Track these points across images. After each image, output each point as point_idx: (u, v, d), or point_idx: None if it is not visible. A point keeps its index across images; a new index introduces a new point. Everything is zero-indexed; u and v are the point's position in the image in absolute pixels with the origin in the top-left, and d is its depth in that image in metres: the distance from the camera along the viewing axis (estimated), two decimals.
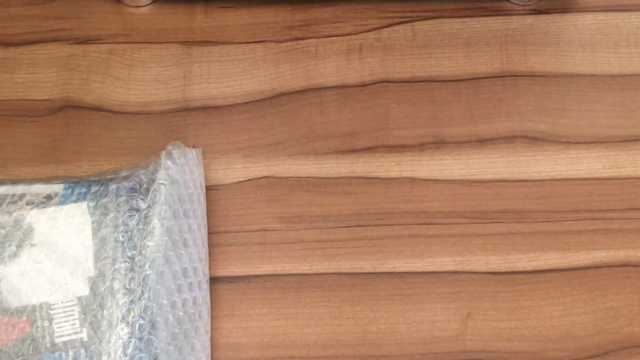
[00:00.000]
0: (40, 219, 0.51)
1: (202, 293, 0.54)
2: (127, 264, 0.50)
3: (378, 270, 0.60)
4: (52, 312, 0.49)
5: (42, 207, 0.52)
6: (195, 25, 0.68)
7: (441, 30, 0.68)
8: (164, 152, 0.55)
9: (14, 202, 0.52)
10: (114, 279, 0.50)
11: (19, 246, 0.51)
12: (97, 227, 0.51)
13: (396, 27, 0.68)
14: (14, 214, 0.52)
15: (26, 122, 0.65)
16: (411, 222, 0.62)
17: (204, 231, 0.57)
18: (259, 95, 0.66)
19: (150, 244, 0.51)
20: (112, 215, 0.51)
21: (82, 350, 0.48)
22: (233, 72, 0.67)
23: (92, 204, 0.52)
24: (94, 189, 0.53)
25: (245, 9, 0.69)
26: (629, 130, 0.65)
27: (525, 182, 0.63)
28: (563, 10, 0.69)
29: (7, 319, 0.49)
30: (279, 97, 0.66)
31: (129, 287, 0.50)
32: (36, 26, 0.68)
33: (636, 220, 0.63)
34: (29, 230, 0.51)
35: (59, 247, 0.51)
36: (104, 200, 0.52)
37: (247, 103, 0.66)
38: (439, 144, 0.64)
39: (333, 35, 0.68)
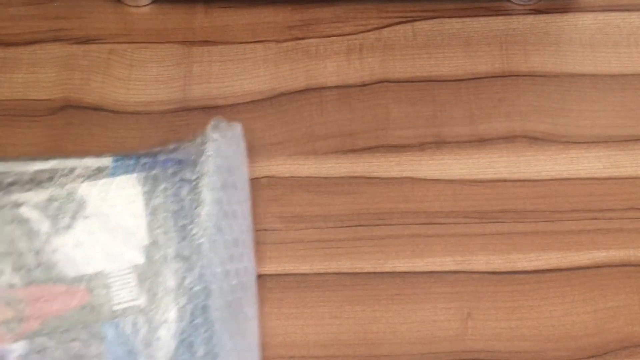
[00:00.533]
0: (91, 192, 0.52)
1: (251, 264, 0.55)
2: (180, 233, 0.51)
3: (378, 270, 0.60)
4: (109, 280, 0.50)
5: (93, 180, 0.53)
6: (196, 25, 0.68)
7: (441, 30, 0.68)
8: (210, 126, 0.55)
9: (66, 175, 0.53)
10: (168, 247, 0.51)
11: (73, 218, 0.52)
12: (148, 198, 0.52)
13: (396, 27, 0.68)
14: (67, 187, 0.52)
15: (26, 122, 0.65)
16: (411, 222, 0.62)
17: (249, 204, 0.57)
18: (259, 95, 0.66)
19: (203, 212, 0.51)
20: (162, 186, 0.53)
21: (141, 317, 0.49)
22: (233, 72, 0.67)
23: (141, 175, 0.53)
24: (142, 161, 0.54)
25: (245, 8, 0.69)
26: (629, 130, 0.65)
27: (525, 182, 0.63)
28: (563, 10, 0.69)
29: (65, 288, 0.50)
30: (279, 97, 0.66)
31: (183, 255, 0.51)
32: (36, 26, 0.68)
33: (636, 220, 0.63)
34: (82, 203, 0.52)
35: (112, 218, 0.52)
36: (154, 171, 0.53)
37: (247, 103, 0.66)
38: (439, 144, 0.64)
39: (333, 35, 0.68)
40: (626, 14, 0.69)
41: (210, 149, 0.53)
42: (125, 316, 0.50)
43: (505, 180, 0.63)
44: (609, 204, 0.63)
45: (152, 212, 0.52)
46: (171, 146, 0.55)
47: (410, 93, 0.66)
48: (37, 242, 0.51)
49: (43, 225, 0.51)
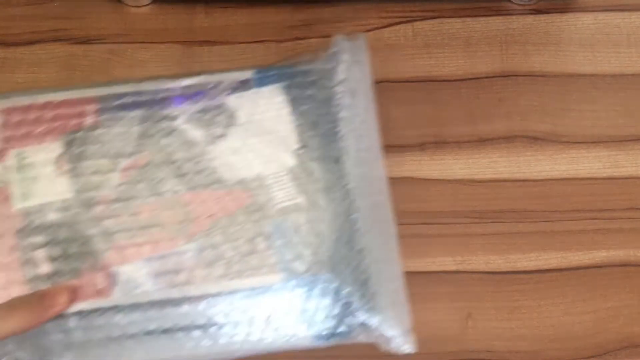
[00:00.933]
0: (240, 102, 0.56)
1: (381, 171, 0.56)
2: (327, 137, 0.54)
3: None
4: (267, 182, 0.53)
5: (240, 92, 0.56)
6: (196, 25, 0.68)
7: (441, 30, 0.68)
8: (339, 37, 0.58)
9: (214, 88, 0.56)
10: (317, 149, 0.54)
11: (226, 127, 0.55)
12: (294, 105, 0.55)
13: (396, 27, 0.68)
14: (216, 99, 0.55)
15: None
16: (411, 221, 0.62)
17: (374, 114, 0.58)
18: None
19: (345, 116, 0.55)
20: (306, 92, 0.56)
21: (302, 215, 0.53)
22: None
23: (285, 84, 0.56)
24: (283, 70, 0.57)
25: (245, 8, 0.69)
26: (629, 130, 0.65)
27: (525, 182, 0.63)
28: (563, 10, 0.69)
29: (228, 192, 0.53)
30: None
31: (332, 157, 0.54)
32: (36, 26, 0.68)
33: (636, 220, 0.63)
34: (232, 113, 0.55)
35: (263, 125, 0.55)
36: (297, 79, 0.56)
37: None
38: (439, 144, 0.64)
39: (333, 35, 0.68)
40: (626, 14, 0.69)
41: (344, 57, 0.56)
42: (287, 214, 0.53)
43: (505, 180, 0.63)
44: (609, 204, 0.63)
45: (300, 118, 0.55)
46: (307, 57, 0.58)
47: (410, 93, 0.66)
48: (194, 151, 0.54)
49: (198, 136, 0.54)
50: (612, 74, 0.67)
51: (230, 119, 0.55)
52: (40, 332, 0.50)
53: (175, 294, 0.51)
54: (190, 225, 0.52)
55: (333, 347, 0.54)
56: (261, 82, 0.56)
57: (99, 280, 0.51)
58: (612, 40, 0.68)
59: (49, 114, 0.54)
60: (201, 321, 0.51)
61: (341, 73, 0.56)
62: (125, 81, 0.57)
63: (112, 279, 0.51)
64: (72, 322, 0.50)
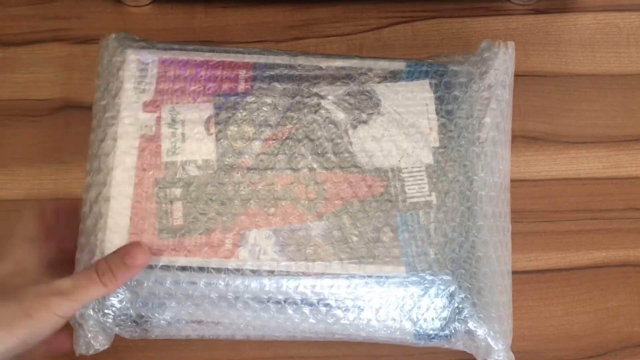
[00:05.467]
0: (387, 92, 0.56)
1: (506, 181, 0.57)
2: (467, 139, 0.55)
3: None
4: (403, 175, 0.54)
5: (389, 82, 0.57)
6: (195, 24, 0.68)
7: (441, 30, 0.68)
8: (491, 42, 0.58)
9: (364, 74, 0.57)
10: (456, 151, 0.55)
11: (369, 114, 0.56)
12: (439, 103, 0.56)
13: (396, 27, 0.68)
14: (364, 85, 0.56)
15: (26, 122, 0.65)
16: None
17: (510, 124, 0.59)
18: None
19: (488, 121, 0.55)
20: (453, 93, 0.56)
21: (432, 213, 0.53)
22: None
23: (434, 81, 0.57)
24: (434, 68, 0.57)
25: (245, 8, 0.69)
26: (629, 130, 0.65)
27: (525, 182, 0.63)
28: (563, 10, 0.69)
29: (363, 177, 0.54)
30: None
31: (468, 159, 0.55)
32: (36, 26, 0.68)
33: (636, 220, 0.63)
34: (378, 101, 0.56)
35: (405, 119, 0.56)
36: (445, 79, 0.57)
37: None
38: None
39: (333, 35, 0.68)
40: (626, 14, 0.69)
41: (495, 64, 0.57)
42: (417, 210, 0.53)
43: None
44: (609, 204, 0.63)
45: (443, 117, 0.56)
46: (457, 57, 0.58)
47: None
48: (336, 132, 0.55)
49: (342, 118, 0.56)
50: (612, 74, 0.67)
51: (375, 107, 0.56)
52: (157, 282, 0.51)
53: (297, 267, 0.51)
54: (321, 203, 0.53)
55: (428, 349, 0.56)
56: (411, 75, 0.57)
57: (228, 240, 0.52)
58: (612, 40, 0.68)
59: (204, 73, 0.56)
60: (314, 299, 0.52)
61: (490, 79, 0.56)
62: (280, 52, 0.58)
63: (240, 242, 0.52)
64: (195, 277, 0.51)
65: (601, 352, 0.59)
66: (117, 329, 0.52)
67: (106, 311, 0.51)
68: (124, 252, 0.49)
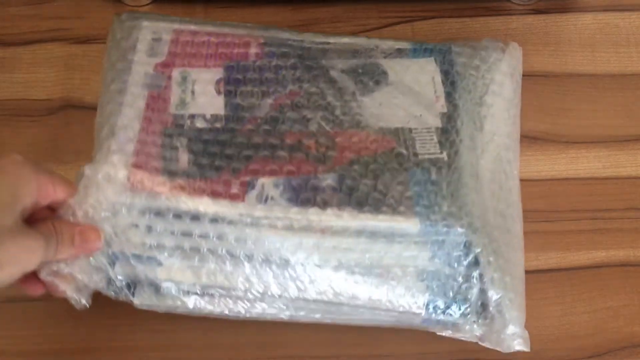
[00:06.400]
0: (394, 66, 0.58)
1: (516, 165, 0.58)
2: (477, 106, 0.57)
3: None
4: (413, 134, 0.55)
5: (394, 57, 0.59)
6: None
7: (441, 30, 0.68)
8: (502, 44, 0.61)
9: (371, 50, 0.59)
10: (465, 114, 0.56)
11: (377, 83, 0.57)
12: (445, 75, 0.58)
13: (396, 27, 0.68)
14: (371, 59, 0.58)
15: (26, 121, 0.65)
16: None
17: (518, 121, 0.60)
18: None
19: (489, 99, 0.57)
20: (456, 68, 0.58)
21: (443, 170, 0.54)
22: None
23: (438, 58, 0.59)
24: (438, 47, 0.60)
25: (245, 8, 0.69)
26: (629, 130, 0.65)
27: (525, 182, 0.63)
28: (563, 10, 0.69)
29: (372, 135, 0.55)
30: None
31: (477, 123, 0.56)
32: (36, 26, 0.68)
33: (636, 220, 0.63)
34: (384, 73, 0.58)
35: (412, 87, 0.57)
36: (450, 56, 0.59)
37: None
38: None
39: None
40: (626, 14, 0.69)
41: (502, 51, 0.60)
42: (430, 166, 0.54)
43: None
44: (609, 204, 0.63)
45: (450, 86, 0.57)
46: (464, 41, 0.61)
47: None
48: (345, 97, 0.56)
49: (350, 86, 0.57)
50: (611, 74, 0.67)
51: (382, 77, 0.57)
52: (164, 228, 0.49)
53: (307, 214, 0.50)
54: (331, 156, 0.53)
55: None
56: (416, 54, 0.59)
57: (235, 184, 0.51)
58: (612, 40, 0.68)
59: (215, 40, 0.58)
60: (323, 259, 0.50)
61: (495, 63, 0.59)
62: (288, 30, 0.59)
63: (248, 186, 0.51)
64: (200, 224, 0.49)
65: (601, 352, 0.59)
66: (100, 281, 0.50)
67: (92, 262, 0.49)
68: (78, 231, 0.48)
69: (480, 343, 0.54)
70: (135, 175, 0.50)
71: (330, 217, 0.50)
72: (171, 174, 0.51)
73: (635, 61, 0.68)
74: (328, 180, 0.52)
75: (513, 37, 0.68)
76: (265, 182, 0.51)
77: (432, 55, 0.59)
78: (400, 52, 0.59)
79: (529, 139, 0.65)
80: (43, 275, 0.48)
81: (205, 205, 0.50)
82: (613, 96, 0.66)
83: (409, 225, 0.51)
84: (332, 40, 0.59)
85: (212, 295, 0.51)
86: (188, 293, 0.51)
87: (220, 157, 0.52)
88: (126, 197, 0.49)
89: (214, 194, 0.50)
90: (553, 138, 0.65)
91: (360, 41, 0.59)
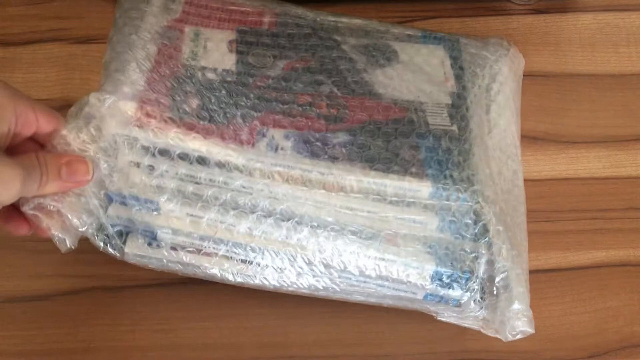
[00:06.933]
0: (404, 47, 0.59)
1: (518, 166, 0.58)
2: (484, 91, 0.57)
3: None
4: (424, 106, 0.55)
5: (405, 41, 0.59)
6: None
7: (441, 30, 0.68)
8: (506, 43, 0.61)
9: (381, 32, 0.59)
10: (474, 97, 0.57)
11: (388, 60, 0.57)
12: (454, 60, 0.59)
13: None
14: (382, 40, 0.59)
15: None
16: None
17: (518, 125, 0.60)
18: None
19: (495, 86, 0.58)
20: (465, 57, 0.59)
21: (454, 141, 0.53)
22: None
23: (447, 45, 0.60)
24: (447, 37, 0.60)
25: None
26: (629, 130, 0.65)
27: (525, 182, 0.63)
28: (563, 10, 0.69)
29: (383, 103, 0.54)
30: None
31: (484, 107, 0.57)
32: (36, 26, 0.68)
33: (636, 220, 0.63)
34: (395, 52, 0.58)
35: (423, 67, 0.58)
36: (458, 46, 0.60)
37: None
38: None
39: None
40: (626, 13, 0.69)
41: (506, 49, 0.60)
42: (441, 136, 0.53)
43: None
44: (609, 204, 0.63)
45: (459, 70, 0.58)
46: (465, 36, 0.61)
47: None
48: (356, 68, 0.56)
49: (362, 60, 0.57)
50: (612, 74, 0.67)
51: (393, 55, 0.58)
52: (168, 169, 0.47)
53: (318, 167, 0.49)
54: (343, 117, 0.53)
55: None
56: (426, 39, 0.60)
57: (246, 129, 0.50)
58: (612, 40, 0.68)
59: (230, 7, 0.57)
60: (332, 221, 0.49)
61: (499, 55, 0.59)
62: (303, 7, 0.60)
63: (258, 134, 0.50)
64: (206, 167, 0.48)
65: (601, 352, 0.59)
66: (89, 225, 0.47)
67: (82, 201, 0.46)
68: (66, 162, 0.45)
69: (482, 330, 0.53)
70: (144, 109, 0.48)
71: (341, 172, 0.49)
72: (181, 113, 0.49)
73: (635, 61, 0.68)
74: (339, 137, 0.51)
75: (513, 37, 0.68)
76: (275, 133, 0.50)
77: (441, 44, 0.59)
78: (410, 37, 0.59)
79: (529, 139, 0.65)
80: (26, 209, 0.44)
81: (213, 146, 0.48)
82: (613, 96, 0.66)
83: (421, 186, 0.50)
84: (344, 19, 0.59)
85: (208, 254, 0.48)
86: (183, 248, 0.48)
87: (231, 105, 0.51)
88: (130, 131, 0.47)
89: (224, 138, 0.49)
90: (553, 138, 0.65)
91: (372, 24, 0.60)
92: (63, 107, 0.65)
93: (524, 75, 0.62)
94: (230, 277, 0.49)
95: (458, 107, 0.55)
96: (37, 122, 0.45)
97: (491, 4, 0.69)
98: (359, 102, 0.54)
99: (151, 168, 0.47)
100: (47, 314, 0.55)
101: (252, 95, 0.52)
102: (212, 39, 0.55)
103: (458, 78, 0.57)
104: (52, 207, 0.45)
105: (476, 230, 0.51)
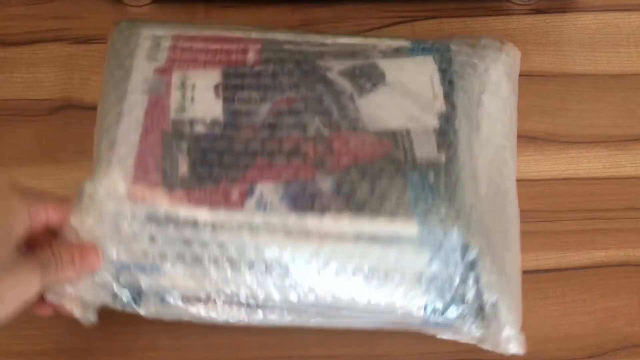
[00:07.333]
0: (391, 66, 0.58)
1: (512, 167, 0.58)
2: (474, 106, 0.57)
3: None
4: (411, 136, 0.55)
5: (393, 57, 0.58)
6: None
7: (441, 30, 0.68)
8: (499, 43, 0.60)
9: (368, 50, 0.59)
10: (463, 114, 0.56)
11: (374, 84, 0.57)
12: (443, 74, 0.58)
13: (396, 27, 0.68)
14: (369, 60, 0.58)
15: (26, 122, 0.65)
16: None
17: (515, 121, 0.60)
18: None
19: (486, 98, 0.57)
20: (455, 67, 0.58)
21: (441, 172, 0.54)
22: None
23: (437, 56, 0.59)
24: (436, 46, 0.59)
25: (245, 8, 0.69)
26: (629, 130, 0.65)
27: (525, 182, 0.63)
28: (563, 10, 0.69)
29: (370, 137, 0.55)
30: None
31: (474, 123, 0.56)
32: (36, 26, 0.68)
33: (636, 220, 0.63)
34: (382, 73, 0.57)
35: (410, 88, 0.57)
36: (448, 54, 0.59)
37: None
38: None
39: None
40: (626, 14, 0.69)
41: (499, 50, 0.59)
42: (427, 168, 0.54)
43: None
44: (609, 204, 0.63)
45: (448, 86, 0.57)
46: (462, 39, 0.60)
47: None
48: (342, 99, 0.56)
49: (348, 87, 0.57)
50: (612, 74, 0.67)
51: (380, 77, 0.57)
52: (166, 238, 0.50)
53: (306, 220, 0.51)
54: (330, 161, 0.53)
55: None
56: (414, 52, 0.59)
57: (234, 191, 0.52)
58: (612, 40, 0.68)
59: (213, 46, 0.58)
60: (321, 262, 0.51)
61: (492, 62, 0.58)
62: (286, 31, 0.59)
63: (247, 193, 0.52)
64: (201, 233, 0.50)
65: (601, 352, 0.59)
66: (105, 297, 0.51)
67: (96, 279, 0.50)
68: (78, 251, 0.49)
69: (479, 345, 0.54)
70: (136, 188, 0.51)
71: (329, 223, 0.51)
72: (171, 184, 0.51)
73: (635, 61, 0.68)
74: (326, 184, 0.52)
75: (513, 37, 0.68)
76: (264, 188, 0.52)
77: (430, 54, 0.59)
78: (398, 52, 0.59)
79: (528, 139, 0.65)
80: (49, 297, 0.50)
81: (204, 214, 0.50)
82: (613, 96, 0.66)
83: (407, 228, 0.51)
84: (329, 41, 0.59)
85: (215, 302, 0.52)
86: (191, 300, 0.52)
87: (219, 166, 0.52)
88: (127, 210, 0.50)
89: (213, 203, 0.51)
90: (553, 138, 0.65)
91: (358, 41, 0.59)
92: (63, 107, 0.65)
93: (524, 76, 0.62)
94: (242, 319, 0.53)
95: (446, 133, 0.55)
96: (46, 215, 0.49)
97: (491, 4, 0.69)
98: (345, 141, 0.54)
99: (152, 238, 0.50)
100: None
101: (239, 150, 0.53)
102: (199, 85, 0.56)
103: (447, 96, 0.57)
104: (70, 292, 0.50)
105: (464, 264, 0.52)
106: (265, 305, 0.52)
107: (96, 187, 0.51)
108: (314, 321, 0.53)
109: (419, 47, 0.59)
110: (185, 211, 0.50)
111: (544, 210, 0.63)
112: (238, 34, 0.59)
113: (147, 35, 0.57)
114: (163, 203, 0.51)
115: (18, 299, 0.45)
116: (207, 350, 0.58)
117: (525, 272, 0.60)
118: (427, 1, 0.69)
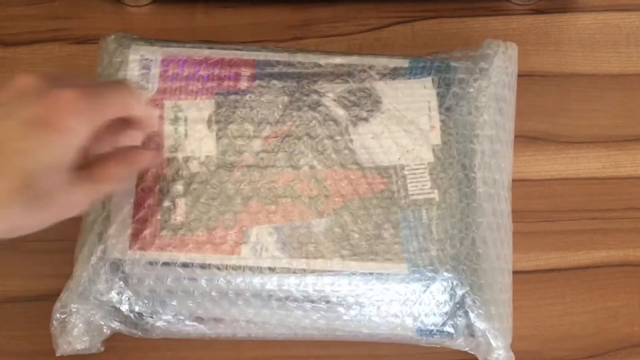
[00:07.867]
0: (387, 90, 0.56)
1: (507, 179, 0.57)
2: (466, 137, 0.55)
3: None
4: (404, 172, 0.55)
5: (390, 79, 0.57)
6: (195, 25, 0.68)
7: (441, 30, 0.68)
8: (492, 41, 0.59)
9: (364, 71, 0.57)
10: (457, 147, 0.55)
11: (369, 112, 0.56)
12: (441, 100, 0.56)
13: (396, 27, 0.68)
14: (364, 83, 0.57)
15: None
16: None
17: (513, 125, 0.59)
18: None
19: (486, 119, 0.56)
20: (453, 90, 0.56)
21: (433, 210, 0.54)
22: None
23: (435, 78, 0.57)
24: (435, 64, 0.58)
25: (245, 8, 0.69)
26: (629, 130, 0.65)
27: (525, 182, 0.63)
28: (563, 10, 0.69)
29: (364, 175, 0.54)
30: None
31: (467, 157, 0.55)
32: (36, 26, 0.68)
33: (636, 220, 0.63)
34: (378, 99, 0.56)
35: (406, 116, 0.56)
36: (447, 75, 0.57)
37: None
38: None
39: (333, 35, 0.68)
40: (626, 14, 0.69)
41: (497, 61, 0.58)
42: (419, 206, 0.54)
43: None
44: (608, 204, 0.63)
45: (445, 113, 0.56)
46: (456, 54, 0.59)
47: None
48: (336, 130, 0.55)
49: (342, 115, 0.56)
50: (612, 74, 0.67)
51: (376, 104, 0.56)
52: (159, 279, 0.52)
53: (298, 264, 0.52)
54: (322, 201, 0.54)
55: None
56: (412, 72, 0.57)
57: (230, 237, 0.53)
58: (612, 40, 0.68)
59: (204, 72, 0.57)
60: (315, 296, 0.53)
61: (490, 76, 0.57)
62: (279, 49, 0.59)
63: (242, 239, 0.53)
64: (196, 274, 0.52)
65: (601, 352, 0.59)
66: (118, 325, 0.53)
67: (106, 308, 0.52)
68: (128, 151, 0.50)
69: (475, 354, 0.56)
70: (138, 235, 0.52)
71: (322, 265, 0.52)
72: (169, 229, 0.53)
73: (635, 61, 0.68)
74: (319, 227, 0.53)
75: (513, 37, 0.68)
76: (258, 232, 0.53)
77: (429, 75, 0.57)
78: (395, 72, 0.57)
79: (528, 139, 0.65)
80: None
81: (205, 256, 0.52)
82: (613, 96, 0.66)
83: (398, 270, 0.53)
84: (323, 61, 0.57)
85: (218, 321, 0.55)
86: (197, 323, 0.55)
87: (214, 209, 0.53)
88: (132, 256, 0.52)
89: (210, 249, 0.52)
90: (553, 138, 0.65)
91: (353, 60, 0.58)
92: None
93: (524, 76, 0.62)
94: (243, 336, 0.56)
95: (440, 168, 0.55)
96: (119, 112, 0.48)
97: (491, 4, 0.69)
98: (339, 179, 0.54)
99: (157, 280, 0.52)
100: (47, 314, 0.55)
101: (234, 190, 0.54)
102: (191, 118, 0.55)
103: (444, 123, 0.56)
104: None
105: (453, 302, 0.53)
106: (264, 329, 0.55)
107: (101, 245, 0.52)
108: (311, 336, 0.56)
109: (417, 66, 0.57)
110: (187, 255, 0.52)
111: (543, 210, 0.63)
112: (229, 55, 0.57)
113: (134, 59, 0.56)
114: (165, 249, 0.52)
115: (68, 213, 0.46)
116: (207, 350, 0.58)
117: (525, 272, 0.60)
118: (427, 1, 0.69)
